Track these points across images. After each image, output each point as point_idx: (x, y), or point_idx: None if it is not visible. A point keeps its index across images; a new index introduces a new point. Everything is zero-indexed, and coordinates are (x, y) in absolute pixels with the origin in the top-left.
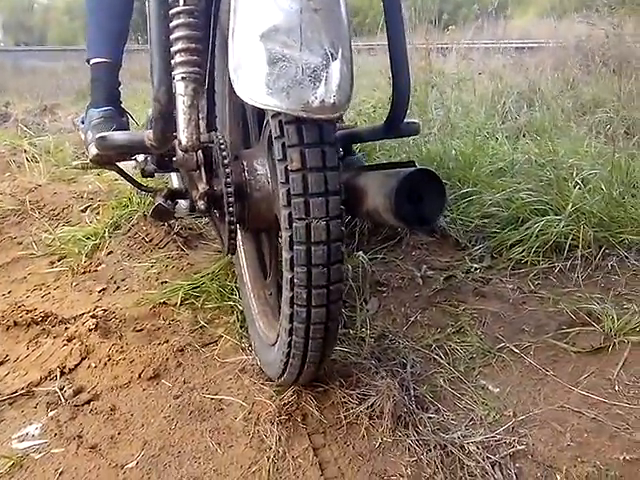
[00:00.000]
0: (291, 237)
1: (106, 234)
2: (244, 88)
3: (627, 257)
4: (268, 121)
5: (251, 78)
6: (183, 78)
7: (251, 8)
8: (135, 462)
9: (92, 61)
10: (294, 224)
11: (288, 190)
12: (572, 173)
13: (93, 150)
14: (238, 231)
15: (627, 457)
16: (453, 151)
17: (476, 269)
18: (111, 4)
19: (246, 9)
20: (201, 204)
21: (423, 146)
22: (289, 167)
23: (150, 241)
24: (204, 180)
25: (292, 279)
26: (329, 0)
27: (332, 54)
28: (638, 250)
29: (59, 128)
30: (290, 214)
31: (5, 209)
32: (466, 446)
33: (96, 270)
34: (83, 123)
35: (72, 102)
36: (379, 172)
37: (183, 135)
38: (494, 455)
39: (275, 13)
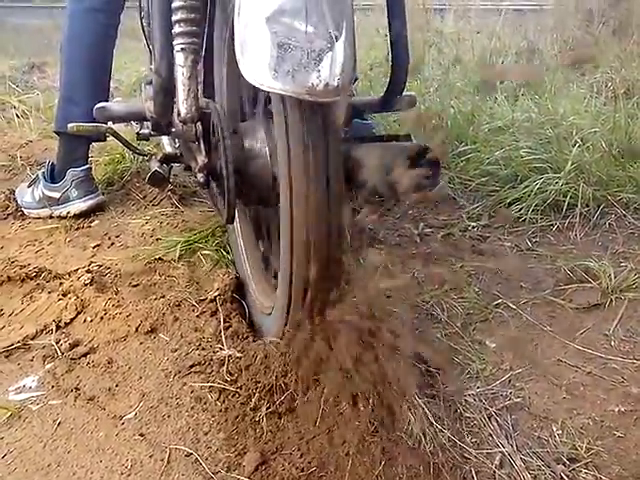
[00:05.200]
0: None
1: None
2: (250, 70)
3: (625, 215)
4: (268, 95)
5: (257, 61)
6: (183, 49)
7: None
8: (134, 413)
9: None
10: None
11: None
12: (572, 132)
13: (79, 207)
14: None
15: (622, 409)
16: (451, 110)
17: (474, 227)
18: (92, 52)
19: None
20: (200, 177)
21: (421, 105)
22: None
23: (144, 198)
24: (203, 152)
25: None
26: None
27: (336, 36)
28: (636, 209)
29: (48, 85)
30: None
31: None
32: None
33: (89, 226)
34: (53, 182)
35: None
36: (376, 145)
37: (182, 107)
38: (491, 407)
39: None
